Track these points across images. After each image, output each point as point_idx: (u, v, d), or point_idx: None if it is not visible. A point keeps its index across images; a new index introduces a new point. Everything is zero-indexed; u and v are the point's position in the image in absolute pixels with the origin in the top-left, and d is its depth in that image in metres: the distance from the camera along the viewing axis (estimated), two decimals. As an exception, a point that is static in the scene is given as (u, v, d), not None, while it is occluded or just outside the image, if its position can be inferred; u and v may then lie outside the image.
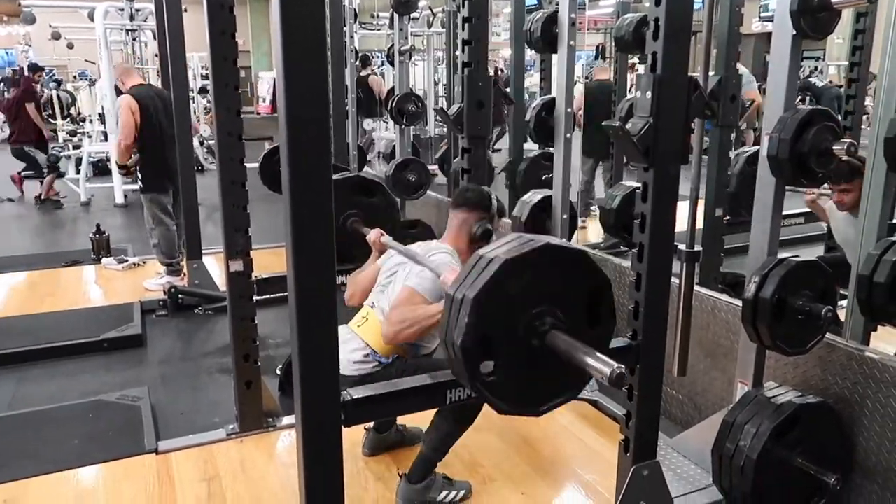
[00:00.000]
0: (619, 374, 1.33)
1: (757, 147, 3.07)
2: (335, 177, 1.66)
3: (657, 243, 1.91)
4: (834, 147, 2.03)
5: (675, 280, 2.07)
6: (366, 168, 5.93)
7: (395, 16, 5.33)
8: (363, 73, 8.41)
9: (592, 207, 6.11)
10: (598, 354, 1.38)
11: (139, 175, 4.75)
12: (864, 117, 5.17)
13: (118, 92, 5.31)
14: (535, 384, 1.55)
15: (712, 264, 3.58)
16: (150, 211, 4.74)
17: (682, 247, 2.16)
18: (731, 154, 3.51)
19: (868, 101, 5.07)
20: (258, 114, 20.05)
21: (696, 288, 2.53)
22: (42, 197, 8.23)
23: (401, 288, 2.28)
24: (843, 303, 2.60)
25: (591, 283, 1.57)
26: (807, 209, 4.21)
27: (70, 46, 12.09)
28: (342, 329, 2.27)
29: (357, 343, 2.30)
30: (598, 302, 1.58)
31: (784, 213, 2.24)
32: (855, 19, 3.73)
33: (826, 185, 3.42)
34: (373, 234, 2.60)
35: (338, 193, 1.48)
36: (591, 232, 5.87)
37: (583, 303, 1.56)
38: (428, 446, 2.36)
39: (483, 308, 1.41)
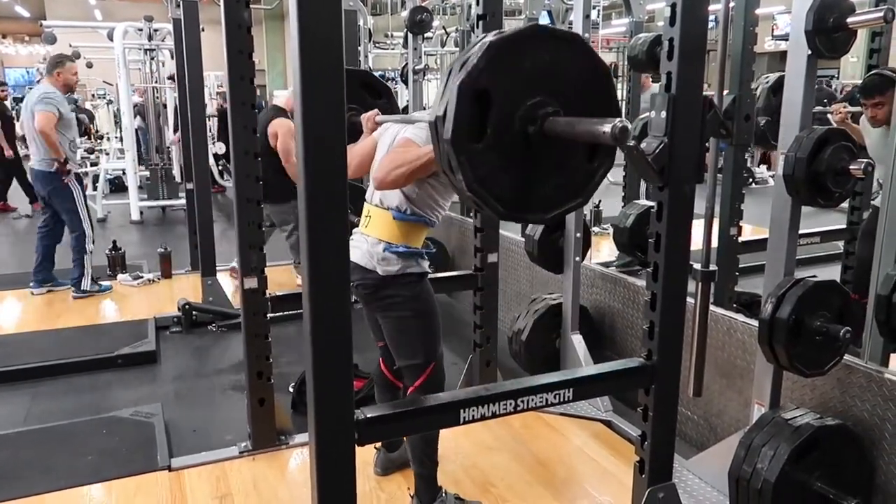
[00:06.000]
0: (623, 126, 1.28)
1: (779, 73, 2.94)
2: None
3: (672, 263, 1.90)
4: (850, 167, 2.02)
5: (689, 300, 2.06)
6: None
7: (410, 35, 5.38)
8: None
9: (605, 226, 6.10)
10: (598, 119, 1.33)
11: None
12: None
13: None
14: (535, 188, 1.51)
15: (727, 284, 3.55)
16: None
17: (697, 266, 2.15)
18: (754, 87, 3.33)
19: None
20: (272, 131, 20.22)
21: (712, 308, 2.51)
22: None
23: (399, 140, 2.24)
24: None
25: (589, 69, 1.51)
26: (825, 228, 4.19)
27: (89, 66, 12.28)
28: (354, 237, 2.25)
29: (371, 240, 2.23)
30: (594, 90, 1.51)
31: (800, 231, 2.23)
32: (870, 38, 3.72)
33: (860, 100, 3.32)
34: (367, 115, 2.48)
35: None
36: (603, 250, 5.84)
37: (581, 91, 1.49)
38: (415, 463, 2.35)
39: (470, 93, 1.36)
